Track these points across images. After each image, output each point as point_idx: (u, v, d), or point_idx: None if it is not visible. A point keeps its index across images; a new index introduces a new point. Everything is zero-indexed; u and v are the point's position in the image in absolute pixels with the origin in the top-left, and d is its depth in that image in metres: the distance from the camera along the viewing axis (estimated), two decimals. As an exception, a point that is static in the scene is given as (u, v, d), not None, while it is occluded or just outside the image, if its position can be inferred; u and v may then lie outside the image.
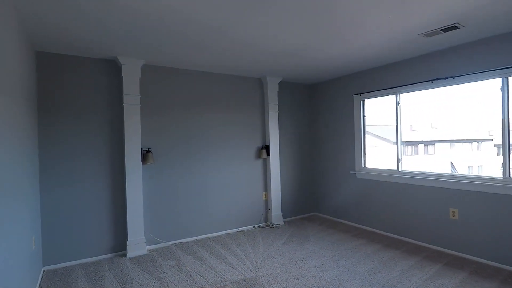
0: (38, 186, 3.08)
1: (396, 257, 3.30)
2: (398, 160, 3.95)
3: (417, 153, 10.96)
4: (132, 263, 3.30)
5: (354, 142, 4.52)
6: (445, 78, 3.39)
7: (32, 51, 2.97)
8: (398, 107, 3.96)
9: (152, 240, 3.75)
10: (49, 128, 3.21)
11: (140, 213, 3.58)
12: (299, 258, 3.35)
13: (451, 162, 10.48)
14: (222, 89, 4.35)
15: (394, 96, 3.98)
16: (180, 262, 3.30)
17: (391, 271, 2.96)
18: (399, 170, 3.94)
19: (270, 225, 4.61)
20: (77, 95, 3.35)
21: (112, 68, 3.55)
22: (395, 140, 4.00)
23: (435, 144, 11.06)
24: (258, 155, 4.66)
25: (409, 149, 10.71)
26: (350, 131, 4.59)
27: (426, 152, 11.05)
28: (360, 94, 4.40)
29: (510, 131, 3.00)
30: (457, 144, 10.91)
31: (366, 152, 4.49)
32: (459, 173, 3.39)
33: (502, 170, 3.04)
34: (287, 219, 4.92)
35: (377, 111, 4.59)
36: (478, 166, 10.54)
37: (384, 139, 10.00)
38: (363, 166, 4.44)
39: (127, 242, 3.49)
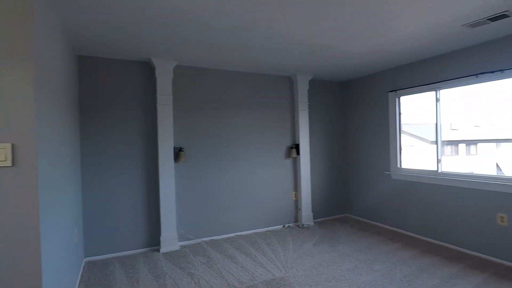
0: (80, 182, 3.27)
1: (435, 264, 3.10)
2: (438, 161, 3.71)
3: (457, 153, 10.27)
4: (165, 258, 3.40)
5: (389, 142, 4.32)
6: (492, 72, 3.12)
7: (74, 56, 3.16)
8: (437, 104, 3.72)
9: (183, 236, 3.84)
10: (89, 128, 3.39)
11: (173, 209, 3.68)
12: (331, 260, 3.26)
13: (496, 163, 9.69)
14: (252, 88, 4.35)
15: (434, 92, 3.75)
16: (210, 259, 3.35)
17: (430, 279, 2.78)
18: (439, 171, 3.70)
19: (300, 226, 4.54)
20: (113, 96, 3.52)
21: (146, 70, 3.68)
22: (433, 139, 3.77)
23: (478, 144, 10.29)
24: (288, 155, 4.61)
25: (448, 149, 10.07)
26: (385, 130, 4.39)
27: (468, 152, 10.32)
28: (395, 91, 4.19)
29: None
30: (503, 144, 10.06)
31: (402, 152, 4.27)
32: (506, 175, 3.10)
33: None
34: (317, 220, 4.82)
35: (412, 108, 4.34)
36: (528, 168, 9.65)
37: (420, 138, 9.47)
38: (398, 166, 4.23)
39: (161, 238, 3.60)
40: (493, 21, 2.62)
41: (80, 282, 2.85)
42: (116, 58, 3.52)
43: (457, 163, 9.92)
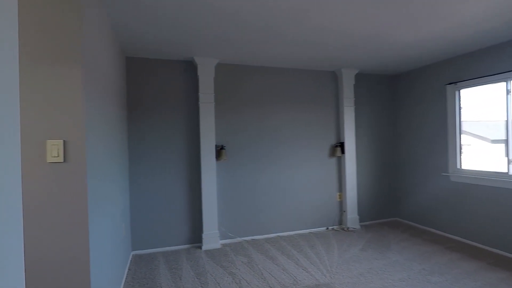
0: (128, 179, 3.41)
1: (508, 280, 2.70)
2: (509, 161, 3.25)
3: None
4: (207, 255, 3.41)
5: (448, 140, 3.89)
6: None
7: (123, 57, 3.29)
8: (508, 96, 3.25)
9: (225, 234, 3.83)
10: (136, 126, 3.52)
11: (214, 207, 3.69)
12: (380, 268, 3.01)
13: None
14: (294, 85, 4.21)
15: (504, 83, 3.28)
16: (251, 259, 3.29)
17: (501, 296, 2.42)
18: (509, 173, 3.24)
19: (345, 228, 4.29)
20: (158, 95, 3.61)
21: (189, 68, 3.72)
22: (494, 138, 3.31)
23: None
24: (332, 153, 4.39)
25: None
26: (442, 127, 3.96)
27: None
28: (455, 83, 3.76)
29: None
30: None
31: (462, 151, 3.83)
32: None
33: None
34: (364, 223, 4.53)
35: (471, 104, 3.84)
36: None
37: (479, 136, 8.53)
38: (458, 167, 3.79)
39: (203, 235, 3.63)
40: None
41: (127, 274, 2.96)
42: (161, 58, 3.61)
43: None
